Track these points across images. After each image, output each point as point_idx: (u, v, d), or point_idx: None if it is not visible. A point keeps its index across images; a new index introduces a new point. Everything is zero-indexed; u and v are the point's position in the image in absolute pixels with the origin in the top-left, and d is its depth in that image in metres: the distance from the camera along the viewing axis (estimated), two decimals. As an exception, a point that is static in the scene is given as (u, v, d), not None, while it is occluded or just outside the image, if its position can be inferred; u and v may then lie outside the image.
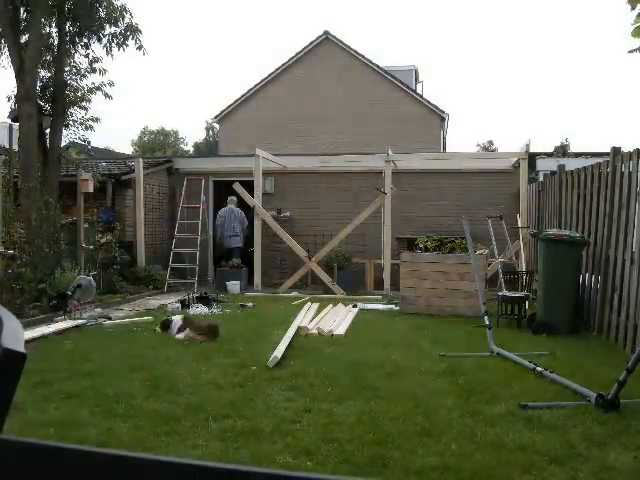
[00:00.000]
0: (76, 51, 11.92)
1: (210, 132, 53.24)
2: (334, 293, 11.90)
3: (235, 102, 24.94)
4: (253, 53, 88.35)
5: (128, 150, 48.69)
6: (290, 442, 3.81)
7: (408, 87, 24.10)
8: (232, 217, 13.46)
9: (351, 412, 4.42)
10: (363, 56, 23.86)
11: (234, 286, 12.31)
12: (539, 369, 5.39)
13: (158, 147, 48.45)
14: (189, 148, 56.01)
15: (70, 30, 11.69)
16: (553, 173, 10.47)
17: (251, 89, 24.74)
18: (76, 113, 12.01)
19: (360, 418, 4.29)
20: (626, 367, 4.34)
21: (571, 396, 4.76)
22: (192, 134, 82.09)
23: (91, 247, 11.20)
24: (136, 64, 28.62)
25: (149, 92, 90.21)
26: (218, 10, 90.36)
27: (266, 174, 13.51)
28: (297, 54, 24.29)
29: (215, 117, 25.81)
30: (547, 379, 5.23)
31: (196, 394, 4.86)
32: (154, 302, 10.97)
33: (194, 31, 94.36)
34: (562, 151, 20.94)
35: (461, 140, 68.75)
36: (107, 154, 18.59)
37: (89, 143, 12.82)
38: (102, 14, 11.64)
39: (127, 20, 11.87)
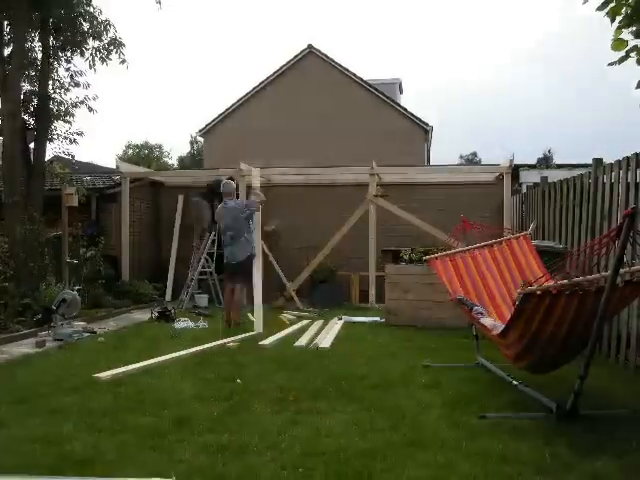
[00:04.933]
0: (60, 65, 11.91)
1: (194, 146, 53.16)
2: (320, 307, 11.86)
3: (220, 116, 24.99)
4: (237, 67, 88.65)
5: (112, 164, 48.47)
6: (276, 455, 3.80)
7: (392, 100, 24.29)
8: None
9: (337, 424, 4.42)
10: (347, 69, 24.03)
11: (202, 299, 12.53)
12: (515, 382, 5.42)
13: (143, 161, 48.26)
14: (173, 162, 55.86)
15: (54, 44, 11.69)
16: (536, 185, 10.55)
17: (235, 103, 24.82)
18: (60, 127, 11.99)
19: (346, 430, 4.29)
20: (579, 375, 4.29)
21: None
22: (176, 148, 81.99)
23: (75, 261, 11.12)
24: (120, 78, 28.62)
25: (133, 106, 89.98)
26: (202, 24, 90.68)
27: (250, 187, 13.48)
28: (281, 67, 24.42)
29: (199, 131, 25.85)
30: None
31: (181, 408, 4.84)
32: (139, 316, 10.90)
33: (179, 45, 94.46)
34: (545, 162, 21.16)
35: (444, 152, 69.21)
36: (91, 168, 18.59)
37: (73, 157, 12.77)
38: (86, 28, 11.66)
39: (111, 34, 11.91)
